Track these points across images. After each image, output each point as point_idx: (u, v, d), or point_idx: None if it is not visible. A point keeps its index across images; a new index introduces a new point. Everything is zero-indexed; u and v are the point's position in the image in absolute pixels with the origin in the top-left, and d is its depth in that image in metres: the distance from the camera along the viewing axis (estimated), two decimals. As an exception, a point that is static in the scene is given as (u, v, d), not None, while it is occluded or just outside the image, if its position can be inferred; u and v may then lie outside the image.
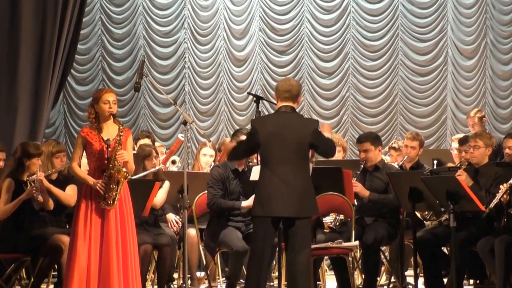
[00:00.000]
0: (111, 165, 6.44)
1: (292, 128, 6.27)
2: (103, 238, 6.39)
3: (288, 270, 6.40)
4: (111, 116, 6.55)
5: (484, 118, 9.99)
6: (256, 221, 6.37)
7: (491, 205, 6.92)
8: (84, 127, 6.66)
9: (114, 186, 6.42)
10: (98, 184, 6.41)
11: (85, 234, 6.38)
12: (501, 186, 6.96)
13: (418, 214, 7.92)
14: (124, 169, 6.46)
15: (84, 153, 6.61)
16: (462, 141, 8.37)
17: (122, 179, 6.45)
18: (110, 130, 6.55)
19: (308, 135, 6.28)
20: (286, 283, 7.44)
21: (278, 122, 6.33)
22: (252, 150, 6.60)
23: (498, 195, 6.93)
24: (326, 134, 6.53)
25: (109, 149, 6.46)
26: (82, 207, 6.44)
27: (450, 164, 8.79)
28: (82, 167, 6.86)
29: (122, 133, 6.48)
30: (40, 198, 7.16)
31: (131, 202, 6.60)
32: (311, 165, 6.62)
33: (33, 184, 7.19)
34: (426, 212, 7.95)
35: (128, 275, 6.40)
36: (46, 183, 7.28)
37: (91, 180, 6.45)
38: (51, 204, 7.32)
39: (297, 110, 6.51)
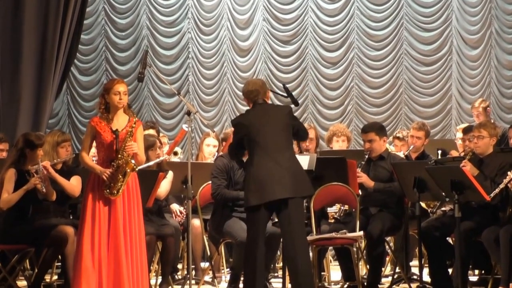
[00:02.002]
0: (119, 156, 6.44)
1: (271, 114, 6.58)
2: (110, 228, 6.41)
3: (290, 269, 6.42)
4: (123, 107, 6.55)
5: (488, 108, 9.97)
6: (250, 210, 6.45)
7: (497, 190, 6.85)
8: (94, 117, 6.71)
9: (121, 177, 6.44)
10: (105, 173, 6.41)
11: (93, 224, 6.41)
12: (508, 173, 6.90)
13: (423, 204, 7.90)
14: (132, 161, 6.48)
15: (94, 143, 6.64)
16: (467, 130, 8.33)
17: (129, 171, 6.46)
18: (119, 121, 6.58)
19: (286, 115, 6.57)
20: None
21: (256, 113, 6.63)
22: (243, 145, 6.69)
23: (505, 181, 6.85)
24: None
25: (117, 139, 6.46)
26: (89, 197, 6.47)
27: (453, 153, 8.77)
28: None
29: (134, 125, 6.49)
30: (43, 189, 7.14)
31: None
32: (315, 155, 6.63)
33: (36, 175, 7.17)
34: (432, 206, 7.93)
35: (133, 265, 6.41)
36: (52, 171, 7.26)
37: (98, 168, 6.48)
38: (53, 196, 7.30)
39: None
